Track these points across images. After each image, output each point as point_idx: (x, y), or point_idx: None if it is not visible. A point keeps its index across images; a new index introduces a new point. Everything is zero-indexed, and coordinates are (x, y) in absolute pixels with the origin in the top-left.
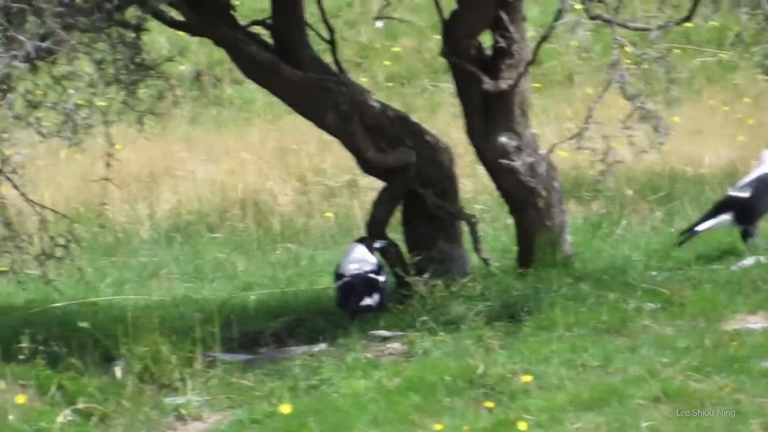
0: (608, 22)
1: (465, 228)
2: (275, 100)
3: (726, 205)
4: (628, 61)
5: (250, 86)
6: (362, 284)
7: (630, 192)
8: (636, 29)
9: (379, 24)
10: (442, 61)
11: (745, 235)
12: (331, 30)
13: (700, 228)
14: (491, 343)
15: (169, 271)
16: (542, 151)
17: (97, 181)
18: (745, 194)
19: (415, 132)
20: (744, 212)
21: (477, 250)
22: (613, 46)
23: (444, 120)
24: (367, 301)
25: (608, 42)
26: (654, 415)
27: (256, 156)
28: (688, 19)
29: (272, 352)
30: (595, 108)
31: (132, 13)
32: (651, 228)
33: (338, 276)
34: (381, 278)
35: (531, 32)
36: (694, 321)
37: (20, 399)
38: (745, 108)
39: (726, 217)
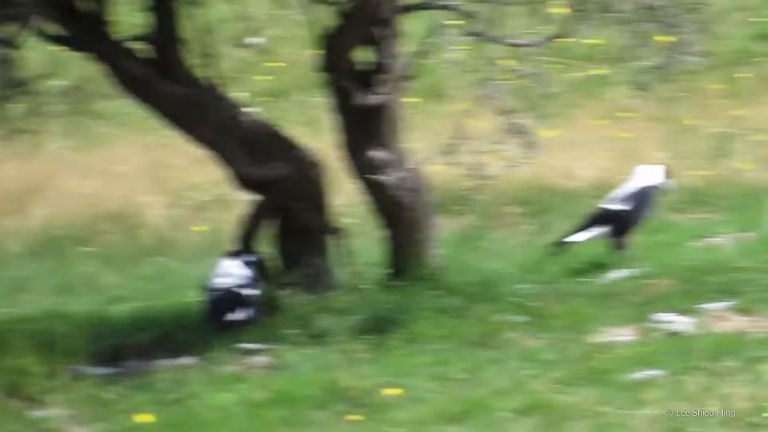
0: (482, 37)
1: (335, 242)
2: (148, 114)
3: (602, 217)
4: (502, 77)
5: (125, 101)
6: (230, 299)
7: (503, 206)
8: (510, 45)
9: (257, 40)
10: (316, 76)
11: (617, 247)
12: (207, 45)
13: (574, 239)
14: (358, 356)
15: (38, 284)
16: (413, 165)
17: None
18: (623, 207)
19: (288, 147)
20: (619, 225)
21: (346, 263)
22: (485, 62)
23: (318, 135)
24: (234, 315)
25: (483, 57)
26: (520, 428)
27: (128, 170)
28: (562, 35)
29: (139, 365)
30: (467, 123)
31: (6, 29)
32: (521, 241)
33: (207, 290)
34: (250, 292)
35: (406, 47)
36: (561, 334)
37: None
38: (618, 123)
39: (601, 229)
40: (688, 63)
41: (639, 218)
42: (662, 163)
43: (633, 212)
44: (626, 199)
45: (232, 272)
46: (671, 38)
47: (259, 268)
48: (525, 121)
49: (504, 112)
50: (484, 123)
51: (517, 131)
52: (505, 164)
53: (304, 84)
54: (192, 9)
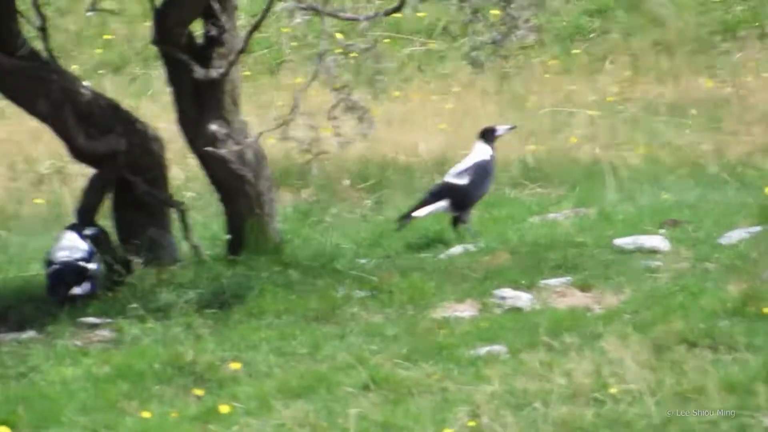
0: (318, 12)
1: (175, 215)
2: None
3: (443, 191)
4: (338, 51)
5: None
6: (72, 272)
7: (346, 182)
8: (346, 19)
9: (91, 13)
10: (154, 49)
11: (457, 221)
12: (42, 18)
13: (417, 214)
14: (201, 330)
15: None
16: (252, 139)
17: None
18: (462, 181)
19: (126, 120)
20: (460, 199)
21: (187, 237)
22: (322, 37)
23: (155, 108)
24: (77, 289)
25: (319, 31)
26: (362, 403)
27: None
28: (397, 9)
29: None
30: (302, 98)
31: None
32: (361, 216)
33: (48, 263)
34: (92, 266)
35: (242, 21)
36: (403, 309)
37: None
38: (455, 97)
39: (442, 204)
40: (522, 38)
41: (478, 193)
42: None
43: (472, 186)
44: (465, 173)
45: (74, 245)
46: (504, 13)
47: (100, 241)
48: (359, 96)
49: (338, 87)
50: (321, 97)
51: (352, 106)
52: (340, 139)
53: (142, 57)
54: None
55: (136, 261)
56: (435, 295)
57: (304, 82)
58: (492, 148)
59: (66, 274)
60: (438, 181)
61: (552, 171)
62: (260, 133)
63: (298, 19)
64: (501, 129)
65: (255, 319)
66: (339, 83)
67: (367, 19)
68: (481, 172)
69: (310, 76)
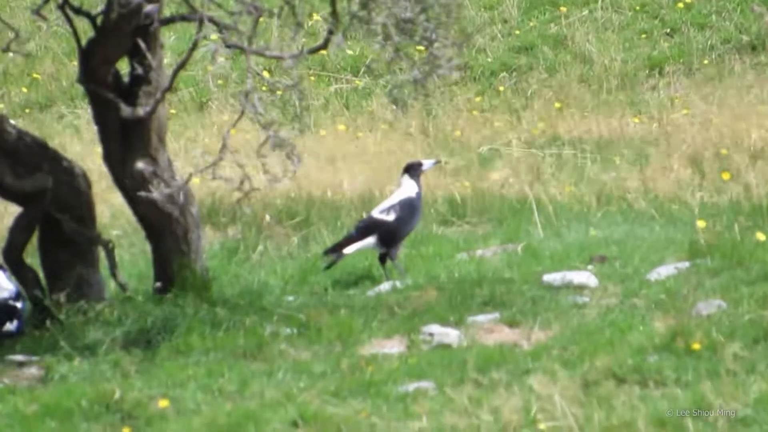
0: (243, 50)
1: (102, 253)
2: None
3: (370, 227)
4: (264, 89)
5: None
6: (2, 309)
7: (267, 218)
8: (271, 57)
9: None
10: (80, 88)
11: (385, 257)
12: None
13: (346, 250)
14: (128, 368)
15: None
16: (179, 178)
17: None
18: (389, 217)
19: (53, 158)
20: (387, 235)
21: (114, 275)
22: (247, 75)
23: (81, 146)
24: (8, 327)
25: (245, 69)
26: None
27: None
28: (321, 48)
29: None
30: (230, 136)
31: None
32: (287, 253)
33: None
34: (19, 304)
35: (168, 59)
36: (331, 346)
37: None
38: (380, 134)
39: (370, 240)
40: (445, 76)
41: (405, 229)
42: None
43: (399, 222)
44: (392, 209)
45: (0, 284)
46: (427, 52)
47: (27, 279)
48: (285, 134)
49: (264, 125)
50: (248, 134)
51: (279, 143)
52: (269, 177)
53: (68, 95)
54: None
55: (63, 299)
56: (363, 332)
57: (230, 120)
58: (418, 183)
59: None
60: (364, 217)
61: (479, 207)
62: (190, 175)
63: (221, 59)
64: (427, 164)
65: (182, 357)
66: (266, 120)
67: (292, 57)
68: (408, 209)
69: (238, 114)
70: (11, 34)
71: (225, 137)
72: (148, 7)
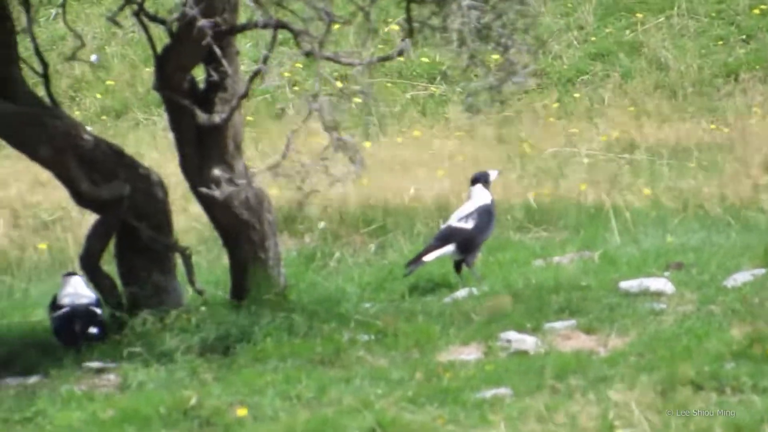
0: (314, 55)
1: (179, 260)
2: None
3: (449, 236)
4: (334, 95)
5: None
6: (83, 314)
7: (345, 226)
8: (342, 63)
9: (94, 57)
10: (156, 95)
11: (460, 265)
12: (44, 64)
13: (426, 258)
14: (205, 375)
15: None
16: (255, 184)
17: None
18: (467, 225)
19: (129, 165)
20: (466, 243)
21: (191, 282)
22: (316, 78)
23: (158, 153)
24: (91, 330)
25: (317, 75)
26: None
27: None
28: (392, 57)
29: None
30: (296, 138)
31: None
32: (364, 260)
33: (56, 307)
34: (98, 310)
35: (244, 66)
36: (408, 352)
37: None
38: (457, 141)
39: (449, 248)
40: (521, 83)
41: (483, 236)
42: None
43: (477, 230)
44: (469, 217)
45: (79, 291)
46: (502, 58)
47: (105, 286)
48: (351, 138)
49: (329, 128)
50: (317, 140)
51: (343, 146)
52: (330, 179)
53: (144, 102)
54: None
55: (141, 306)
56: (440, 339)
57: (307, 126)
58: (490, 193)
59: (77, 317)
60: (442, 225)
61: (555, 214)
62: (253, 173)
63: (266, 83)
64: (493, 174)
65: (260, 363)
66: (330, 123)
67: (362, 63)
68: (486, 216)
69: (314, 120)
70: (78, 42)
71: (289, 137)
72: (202, 22)
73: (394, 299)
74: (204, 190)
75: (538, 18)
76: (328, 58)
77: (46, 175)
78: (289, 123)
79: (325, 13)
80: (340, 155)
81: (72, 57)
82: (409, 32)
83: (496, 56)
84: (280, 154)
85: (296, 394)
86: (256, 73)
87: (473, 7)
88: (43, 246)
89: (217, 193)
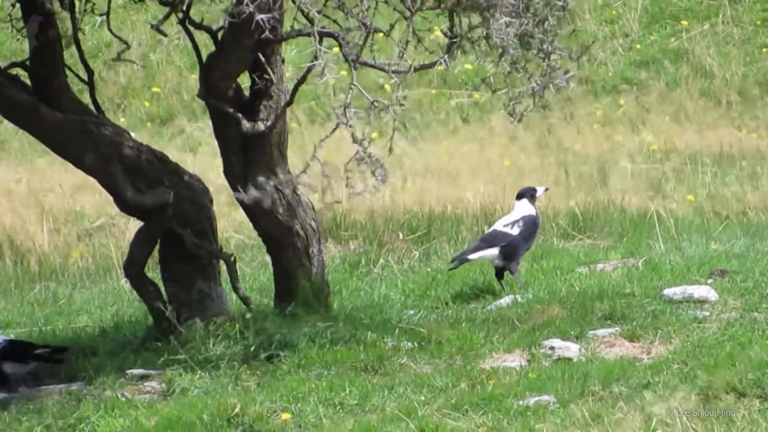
0: (360, 63)
1: (223, 267)
2: (31, 140)
3: (495, 239)
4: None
5: (8, 126)
6: None
7: (400, 235)
8: (386, 72)
9: (138, 65)
10: (201, 102)
11: (503, 272)
12: (89, 71)
13: (471, 256)
14: (249, 382)
15: None
16: (300, 192)
17: None
18: (513, 231)
19: (174, 172)
20: (510, 248)
21: (235, 289)
22: (349, 89)
23: (203, 160)
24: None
25: (368, 83)
26: None
27: (12, 196)
28: (432, 65)
29: (30, 390)
30: (332, 147)
31: None
32: (408, 267)
33: None
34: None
35: (289, 73)
36: (452, 359)
37: None
38: (500, 148)
39: (494, 251)
40: (564, 90)
41: (526, 245)
42: (543, 188)
43: (521, 237)
44: (515, 224)
45: None
46: (545, 66)
47: (149, 292)
48: (374, 151)
49: (358, 141)
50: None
51: (362, 159)
52: (352, 191)
53: (189, 109)
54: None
55: (185, 313)
56: (483, 346)
57: (349, 133)
58: (534, 207)
59: None
60: (488, 230)
61: (599, 222)
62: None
63: (328, 75)
64: (539, 190)
65: (303, 371)
66: (358, 134)
67: (401, 73)
68: (531, 225)
69: (360, 128)
70: (123, 46)
71: (316, 146)
72: (261, 16)
73: (438, 306)
74: (237, 195)
75: (580, 24)
76: (368, 66)
77: (90, 181)
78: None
79: (362, 24)
80: (363, 164)
81: (118, 58)
82: (451, 42)
83: (538, 64)
84: (308, 162)
85: (339, 401)
86: (301, 80)
87: (515, 16)
88: (87, 253)
89: (244, 197)
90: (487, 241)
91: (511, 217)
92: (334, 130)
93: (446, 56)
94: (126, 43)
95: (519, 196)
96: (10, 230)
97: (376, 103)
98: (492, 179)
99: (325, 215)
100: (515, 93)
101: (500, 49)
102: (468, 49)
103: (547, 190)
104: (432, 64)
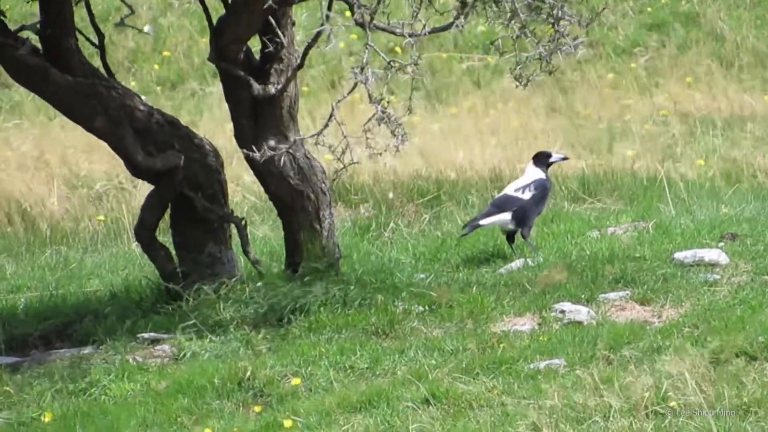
0: (365, 27)
1: (234, 231)
2: (43, 103)
3: (506, 203)
4: (384, 66)
5: (19, 90)
6: None
7: (399, 196)
8: (398, 35)
9: (147, 28)
10: (211, 65)
11: (513, 237)
12: (99, 34)
13: (483, 222)
14: (260, 345)
15: None
16: (311, 155)
17: None
18: (524, 196)
19: (184, 136)
20: (521, 212)
21: (246, 252)
22: (364, 50)
23: (213, 124)
24: None
25: (378, 46)
26: (422, 417)
27: (23, 160)
28: (445, 28)
29: (40, 354)
30: (345, 108)
31: None
32: (418, 231)
33: None
34: None
35: (299, 37)
36: (462, 323)
37: None
38: (511, 112)
39: (505, 216)
40: (570, 54)
41: (537, 209)
42: (556, 152)
43: (532, 201)
44: (526, 188)
45: None
46: (553, 30)
47: (160, 256)
48: (393, 111)
49: (376, 102)
50: (363, 110)
51: (383, 120)
52: (371, 151)
53: (200, 73)
54: None
55: (195, 276)
56: (494, 310)
57: (362, 97)
58: (545, 172)
59: None
60: (499, 194)
61: (610, 185)
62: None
63: (332, 42)
64: (556, 156)
65: (314, 334)
66: (375, 96)
67: (414, 35)
68: (541, 190)
69: (354, 89)
70: (126, 10)
71: (333, 107)
72: None
73: (449, 270)
74: (245, 151)
75: None
76: (381, 29)
77: (101, 145)
78: (343, 94)
79: None
80: (384, 128)
81: (121, 23)
82: (462, 4)
83: (549, 27)
84: (326, 122)
85: (350, 365)
86: (312, 44)
87: None
88: (98, 217)
89: (257, 156)
90: (498, 206)
91: (522, 181)
92: (352, 90)
93: (461, 17)
94: (131, 7)
95: (532, 160)
96: (20, 195)
97: (392, 63)
98: (502, 143)
99: (342, 177)
100: (523, 57)
101: (509, 13)
102: (480, 10)
103: (565, 158)
104: (448, 26)
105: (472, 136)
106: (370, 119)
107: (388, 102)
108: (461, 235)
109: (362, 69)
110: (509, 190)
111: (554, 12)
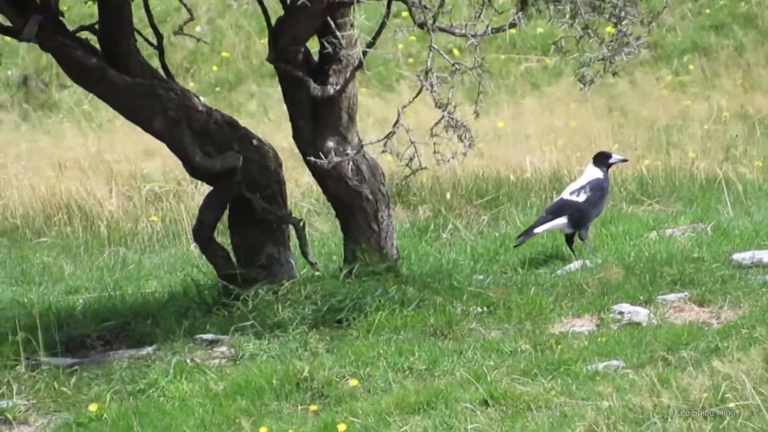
0: (427, 28)
1: (292, 232)
2: (101, 104)
3: (561, 209)
4: (446, 68)
5: (78, 90)
6: None
7: (458, 197)
8: (459, 36)
9: (198, 29)
10: (270, 66)
11: (572, 239)
12: (158, 35)
13: (537, 230)
14: (317, 346)
15: None
16: (369, 156)
17: None
18: (579, 198)
19: (243, 137)
20: (577, 215)
21: (304, 253)
22: (428, 53)
23: (271, 125)
24: None
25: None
26: (480, 418)
27: (81, 161)
28: (507, 28)
29: (99, 355)
30: (413, 114)
31: None
32: (477, 232)
33: None
34: None
35: (357, 38)
36: (520, 324)
37: None
38: (570, 113)
39: (561, 221)
40: (632, 55)
41: (595, 210)
42: (621, 157)
43: (589, 204)
44: (581, 190)
45: None
46: (615, 30)
47: (218, 257)
48: (459, 115)
49: (440, 105)
50: (427, 113)
51: (453, 124)
52: (439, 156)
53: (258, 73)
54: None
55: (254, 277)
56: (552, 311)
57: (420, 99)
58: (604, 173)
59: None
60: (555, 198)
61: (668, 187)
62: (362, 146)
63: (409, 36)
64: (615, 157)
65: (372, 335)
66: (441, 100)
67: (476, 36)
68: (598, 190)
69: (427, 93)
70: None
71: (399, 112)
72: None
73: (507, 271)
74: (313, 159)
75: None
76: (442, 30)
77: (159, 146)
78: (401, 96)
79: None
80: (446, 132)
81: (180, 30)
82: (522, 4)
83: (609, 28)
84: (390, 128)
85: (408, 366)
86: (371, 44)
87: None
88: (156, 218)
89: (324, 162)
90: (553, 212)
91: (578, 183)
92: (417, 95)
93: (519, 14)
94: (190, 12)
95: (592, 160)
96: (79, 195)
97: (457, 66)
98: (561, 144)
99: (409, 182)
100: (586, 58)
101: (571, 13)
102: (542, 8)
103: (625, 161)
104: (506, 26)
105: (530, 138)
106: (436, 124)
107: (455, 106)
108: (515, 245)
109: (426, 74)
110: (565, 193)
111: (616, 11)
